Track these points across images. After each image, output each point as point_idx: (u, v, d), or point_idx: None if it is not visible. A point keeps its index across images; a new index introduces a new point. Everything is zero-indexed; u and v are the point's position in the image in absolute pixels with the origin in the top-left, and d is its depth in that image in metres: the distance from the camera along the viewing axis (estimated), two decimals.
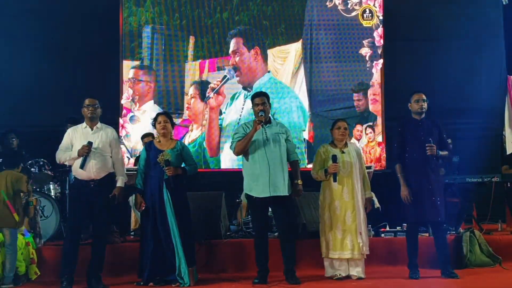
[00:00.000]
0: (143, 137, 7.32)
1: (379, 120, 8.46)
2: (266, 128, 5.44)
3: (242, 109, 8.33)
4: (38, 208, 6.33)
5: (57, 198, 6.97)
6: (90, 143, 5.33)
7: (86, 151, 5.31)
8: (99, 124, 5.53)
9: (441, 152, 5.52)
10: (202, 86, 8.39)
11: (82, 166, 5.32)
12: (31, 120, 8.19)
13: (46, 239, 6.40)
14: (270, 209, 5.63)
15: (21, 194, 5.65)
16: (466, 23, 8.71)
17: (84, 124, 5.52)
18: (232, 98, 8.40)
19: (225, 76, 8.39)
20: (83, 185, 5.38)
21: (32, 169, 6.90)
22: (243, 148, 5.43)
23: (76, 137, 5.45)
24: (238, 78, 8.41)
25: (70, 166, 5.72)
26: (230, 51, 8.43)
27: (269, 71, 8.46)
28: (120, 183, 5.48)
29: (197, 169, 5.82)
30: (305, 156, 8.30)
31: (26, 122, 8.08)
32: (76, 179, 5.48)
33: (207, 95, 8.36)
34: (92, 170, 5.36)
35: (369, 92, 8.48)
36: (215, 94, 8.36)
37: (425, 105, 5.58)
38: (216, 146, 8.35)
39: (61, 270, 5.40)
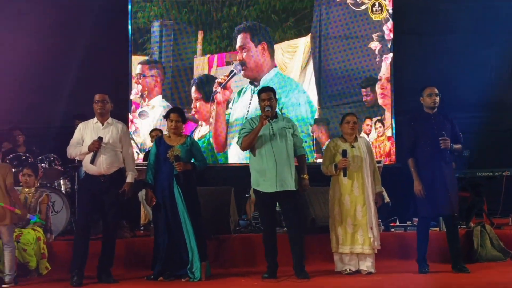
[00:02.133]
0: (151, 131, 7.35)
1: (388, 114, 8.41)
2: (272, 123, 5.43)
3: (250, 104, 8.31)
4: (49, 204, 6.35)
5: (67, 193, 6.99)
6: (100, 138, 5.34)
7: (97, 146, 5.32)
8: (109, 120, 5.54)
9: (454, 146, 5.50)
10: (202, 83, 8.35)
11: (92, 161, 5.34)
12: (40, 116, 8.23)
13: (56, 234, 6.42)
14: (278, 204, 5.62)
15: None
16: (476, 17, 8.64)
17: (95, 119, 5.53)
18: (239, 93, 8.38)
19: (232, 71, 8.37)
20: (93, 180, 5.40)
21: (43, 164, 6.94)
22: (250, 143, 5.43)
23: (87, 132, 5.47)
24: (244, 73, 8.39)
25: (80, 162, 5.74)
26: (237, 46, 8.41)
27: (275, 66, 8.43)
28: (129, 178, 5.49)
29: (207, 165, 5.83)
30: (313, 150, 8.28)
31: (36, 118, 8.12)
32: (86, 174, 5.50)
33: (214, 89, 8.35)
34: (102, 165, 5.37)
35: (378, 85, 8.44)
36: (222, 89, 8.35)
37: (437, 99, 5.55)
38: (223, 141, 8.34)
39: (71, 265, 5.41)
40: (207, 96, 8.36)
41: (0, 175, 5.35)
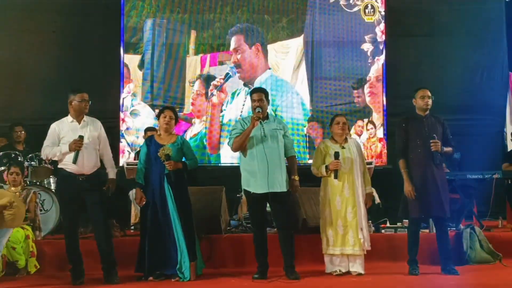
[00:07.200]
0: (146, 130, 7.32)
1: (376, 115, 8.40)
2: (263, 124, 5.41)
3: (243, 105, 8.30)
4: (38, 201, 6.31)
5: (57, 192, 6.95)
6: (81, 137, 5.23)
7: (79, 146, 5.20)
8: (85, 117, 5.42)
9: (445, 149, 5.51)
10: (208, 81, 8.37)
11: (75, 161, 5.22)
12: (31, 113, 8.19)
13: (46, 233, 6.39)
14: (268, 205, 5.61)
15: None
16: (468, 19, 8.69)
17: (70, 118, 5.39)
18: (233, 95, 8.38)
19: (227, 74, 8.37)
20: (72, 179, 5.26)
21: (33, 162, 6.90)
22: (241, 144, 5.42)
23: (63, 131, 5.33)
24: (239, 75, 8.39)
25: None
26: (231, 48, 8.40)
27: (270, 68, 8.43)
28: (112, 174, 5.45)
29: (197, 164, 5.81)
30: (306, 151, 8.28)
31: (27, 115, 8.08)
32: (64, 173, 5.32)
33: (209, 92, 8.34)
34: (84, 165, 5.27)
35: (366, 86, 8.44)
36: (218, 92, 8.34)
37: (430, 101, 5.57)
38: (216, 143, 8.33)
39: (71, 267, 5.34)
40: (207, 95, 8.37)
41: None
